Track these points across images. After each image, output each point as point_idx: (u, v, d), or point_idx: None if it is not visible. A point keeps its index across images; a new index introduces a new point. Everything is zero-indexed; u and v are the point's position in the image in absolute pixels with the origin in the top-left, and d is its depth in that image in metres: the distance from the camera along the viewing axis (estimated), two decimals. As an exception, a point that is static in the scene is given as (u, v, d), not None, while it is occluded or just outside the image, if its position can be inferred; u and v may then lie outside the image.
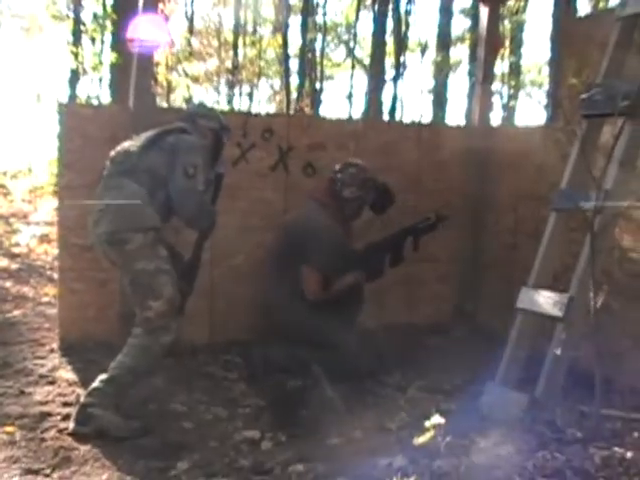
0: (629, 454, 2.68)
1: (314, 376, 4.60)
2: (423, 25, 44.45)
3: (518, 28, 24.50)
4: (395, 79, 21.31)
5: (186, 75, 21.12)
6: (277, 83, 29.55)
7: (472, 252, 6.19)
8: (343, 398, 4.39)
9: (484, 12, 6.28)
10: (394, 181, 5.58)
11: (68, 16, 18.26)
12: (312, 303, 4.82)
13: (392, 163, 5.83)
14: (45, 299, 6.74)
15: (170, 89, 20.40)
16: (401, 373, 4.87)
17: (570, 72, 4.85)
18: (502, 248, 5.90)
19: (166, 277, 3.90)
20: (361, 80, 38.57)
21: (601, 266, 3.72)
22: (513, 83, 26.08)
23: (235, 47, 26.82)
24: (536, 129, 6.04)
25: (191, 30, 24.78)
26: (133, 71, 5.04)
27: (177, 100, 20.22)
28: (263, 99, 31.53)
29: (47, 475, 3.27)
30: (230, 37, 27.77)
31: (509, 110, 26.03)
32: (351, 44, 26.82)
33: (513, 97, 26.93)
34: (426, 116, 24.08)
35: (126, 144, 4.14)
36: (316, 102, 22.71)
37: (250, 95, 29.76)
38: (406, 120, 20.71)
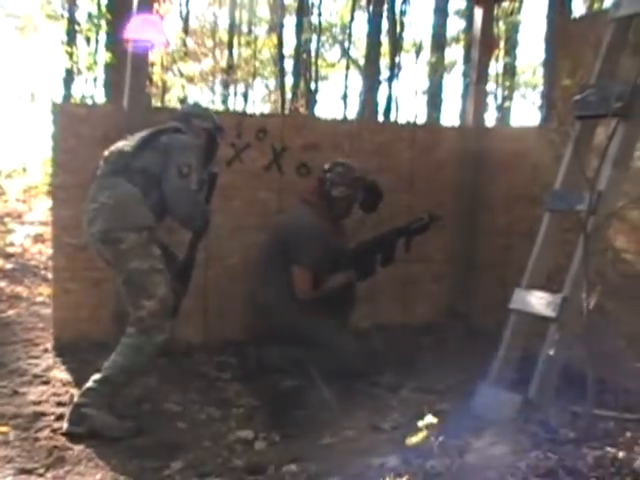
0: (621, 454, 2.68)
1: (308, 376, 4.61)
2: (418, 26, 44.52)
3: (513, 29, 24.54)
4: (390, 80, 21.35)
5: (181, 75, 21.11)
6: (272, 83, 29.57)
7: (466, 252, 6.20)
8: (336, 398, 4.40)
9: (478, 13, 6.29)
10: (388, 181, 5.60)
11: (63, 16, 18.21)
12: (304, 303, 4.82)
13: (386, 163, 5.84)
14: (39, 299, 6.73)
15: (165, 89, 20.38)
16: (394, 373, 4.87)
17: (564, 73, 4.88)
18: (496, 248, 5.91)
19: (160, 276, 3.90)
20: (356, 81, 38.54)
21: (594, 267, 3.73)
22: (508, 84, 26.10)
23: (230, 47, 26.83)
24: (530, 130, 6.05)
25: (186, 30, 24.77)
26: (128, 71, 5.04)
27: (172, 100, 20.18)
28: (258, 99, 31.55)
29: (41, 475, 3.27)
30: (225, 37, 27.77)
31: (503, 111, 26.04)
32: (346, 44, 26.83)
33: (508, 98, 26.96)
34: (421, 117, 24.12)
35: (120, 144, 4.14)
36: (311, 102, 22.71)
37: (245, 95, 29.77)
38: (401, 121, 20.73)
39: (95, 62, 16.17)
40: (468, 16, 20.35)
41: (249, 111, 25.75)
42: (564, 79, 4.52)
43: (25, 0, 31.09)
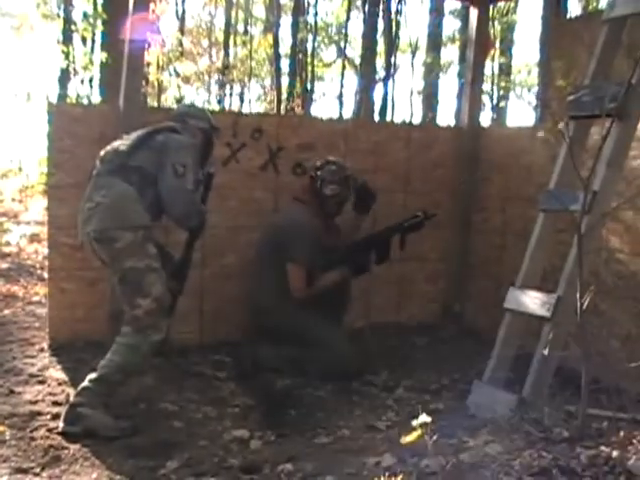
0: (615, 453, 2.68)
1: (303, 375, 4.63)
2: (414, 26, 44.50)
3: (508, 29, 24.54)
4: (386, 79, 21.31)
5: (177, 75, 21.08)
6: (268, 83, 29.51)
7: (461, 252, 6.21)
8: (331, 397, 4.41)
9: (474, 14, 6.30)
10: (384, 181, 5.63)
11: (59, 15, 18.19)
12: (299, 302, 4.84)
13: (382, 163, 5.86)
14: (35, 298, 6.73)
15: (161, 89, 20.35)
16: (389, 372, 4.90)
17: (559, 73, 4.89)
18: (490, 248, 5.93)
19: (155, 276, 3.91)
20: (352, 80, 38.52)
21: (589, 267, 3.75)
22: (503, 84, 26.13)
23: (226, 47, 26.79)
24: (525, 130, 6.07)
25: (182, 30, 24.72)
26: (123, 71, 5.04)
27: (168, 100, 20.16)
28: (254, 99, 31.49)
29: (37, 474, 3.27)
30: (221, 37, 27.74)
31: (499, 111, 26.08)
32: (342, 44, 26.79)
33: (503, 98, 26.99)
34: (416, 116, 24.11)
35: (116, 143, 4.15)
36: (307, 102, 22.68)
37: (241, 95, 29.72)
38: (396, 120, 20.71)
39: (91, 62, 16.13)
40: (464, 16, 20.35)
41: (245, 111, 25.75)
42: (558, 79, 4.53)
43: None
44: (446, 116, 39.20)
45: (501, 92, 26.65)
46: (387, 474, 2.70)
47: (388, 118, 20.88)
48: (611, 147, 3.73)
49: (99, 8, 13.72)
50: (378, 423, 3.94)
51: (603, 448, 2.77)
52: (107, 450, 3.53)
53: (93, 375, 3.82)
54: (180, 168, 3.98)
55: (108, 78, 11.35)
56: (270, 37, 24.53)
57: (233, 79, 26.97)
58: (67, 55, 15.70)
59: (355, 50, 26.77)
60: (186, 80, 22.66)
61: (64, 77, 17.94)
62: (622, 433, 2.97)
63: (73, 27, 17.18)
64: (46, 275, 5.88)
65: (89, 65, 15.98)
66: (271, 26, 24.60)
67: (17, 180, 14.40)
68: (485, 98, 24.94)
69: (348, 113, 24.55)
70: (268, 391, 4.49)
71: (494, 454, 2.85)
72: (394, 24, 20.66)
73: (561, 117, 4.12)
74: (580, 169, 3.40)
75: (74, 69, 16.33)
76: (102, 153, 4.12)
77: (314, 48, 25.09)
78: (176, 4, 24.54)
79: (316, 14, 24.76)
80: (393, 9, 20.53)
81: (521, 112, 39.23)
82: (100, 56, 12.92)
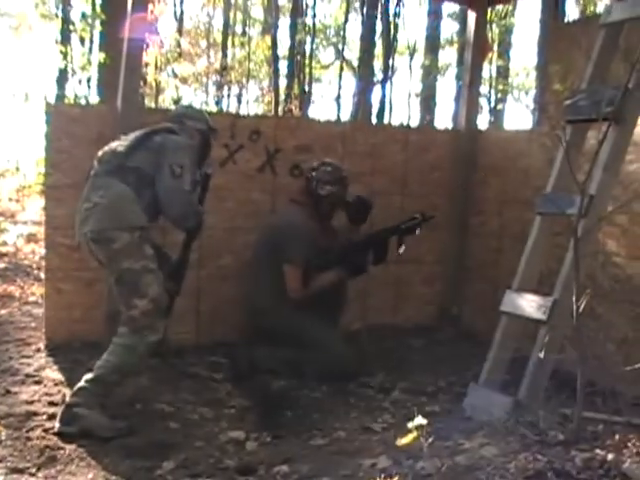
0: (610, 456, 2.69)
1: (299, 377, 4.63)
2: (412, 28, 44.46)
3: (506, 32, 24.60)
4: (383, 82, 21.35)
5: (175, 76, 21.09)
6: (266, 84, 29.52)
7: (457, 254, 6.22)
8: (327, 399, 4.41)
9: (472, 16, 6.31)
10: (381, 183, 5.63)
11: (57, 15, 18.20)
12: (295, 303, 4.84)
13: (379, 165, 5.87)
14: (32, 298, 6.72)
15: (159, 90, 20.36)
16: (385, 374, 4.90)
17: (556, 77, 4.90)
18: (487, 251, 5.93)
19: (152, 276, 3.91)
20: (350, 82, 38.59)
21: (585, 270, 3.75)
22: (501, 87, 26.16)
23: (224, 48, 26.81)
24: (522, 133, 6.07)
25: (180, 31, 24.74)
26: (122, 71, 5.04)
27: (166, 101, 20.17)
28: (252, 100, 31.50)
29: (32, 474, 3.26)
30: (219, 38, 27.75)
31: (496, 114, 26.11)
32: (340, 46, 26.82)
33: (500, 101, 27.02)
34: (414, 119, 24.14)
35: (113, 144, 4.15)
36: (305, 104, 22.70)
37: (239, 96, 29.73)
38: (394, 123, 20.74)
39: (89, 62, 16.12)
40: (462, 19, 20.38)
41: (243, 112, 25.77)
42: (555, 83, 4.54)
43: (19, -1, 31.04)
44: (444, 119, 39.24)
45: (499, 95, 26.69)
46: (383, 476, 2.70)
47: (386, 120, 20.94)
48: (607, 151, 3.74)
49: (97, 8, 13.72)
50: (374, 425, 3.94)
51: (598, 451, 2.78)
52: (103, 450, 3.53)
53: (89, 375, 3.83)
54: (177, 169, 3.98)
55: (106, 79, 11.34)
56: (268, 38, 24.58)
57: (231, 80, 27.00)
58: (65, 55, 15.71)
59: (353, 52, 26.79)
60: (184, 81, 22.68)
61: (62, 77, 17.93)
62: (617, 436, 2.97)
63: (71, 27, 17.18)
64: (43, 275, 5.88)
65: (87, 65, 15.98)
66: (269, 27, 24.65)
67: (14, 180, 14.40)
68: (483, 101, 25.01)
69: (346, 115, 24.55)
70: (264, 392, 4.49)
71: (490, 457, 2.86)
72: (392, 26, 20.71)
73: (558, 121, 4.13)
74: (577, 173, 3.41)
75: (72, 69, 16.34)
76: (100, 154, 4.13)
77: (312, 50, 25.12)
78: (174, 5, 24.60)
79: (314, 16, 24.79)
80: (391, 11, 20.58)
81: (519, 115, 39.24)
82: (98, 56, 12.90)
